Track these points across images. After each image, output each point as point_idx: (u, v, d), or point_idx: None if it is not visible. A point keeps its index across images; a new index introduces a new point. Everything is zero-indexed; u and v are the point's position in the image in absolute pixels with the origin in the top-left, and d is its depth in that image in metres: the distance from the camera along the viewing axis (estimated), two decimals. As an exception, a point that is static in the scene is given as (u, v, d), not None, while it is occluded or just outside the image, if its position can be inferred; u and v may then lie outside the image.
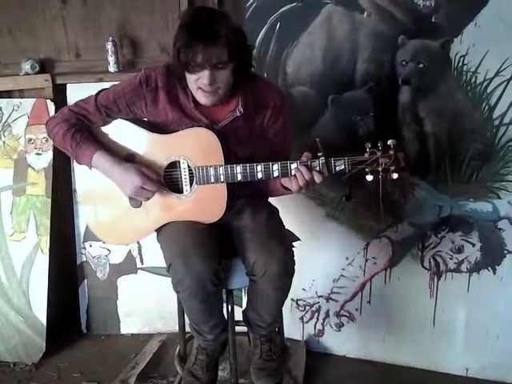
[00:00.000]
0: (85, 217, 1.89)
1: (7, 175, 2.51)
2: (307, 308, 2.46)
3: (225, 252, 1.74)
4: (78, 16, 2.49)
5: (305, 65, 2.22)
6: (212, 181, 1.66)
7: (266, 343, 1.92)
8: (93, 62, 2.52)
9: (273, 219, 1.80)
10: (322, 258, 2.39)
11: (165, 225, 1.76)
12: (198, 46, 1.53)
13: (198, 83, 1.61)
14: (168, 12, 2.43)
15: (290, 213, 2.24)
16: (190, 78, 1.62)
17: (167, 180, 1.73)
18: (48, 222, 2.49)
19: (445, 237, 2.22)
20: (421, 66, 2.08)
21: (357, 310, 2.40)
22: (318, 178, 1.59)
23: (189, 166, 1.70)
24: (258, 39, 2.22)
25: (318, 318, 2.46)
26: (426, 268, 2.27)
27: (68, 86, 2.50)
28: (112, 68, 2.45)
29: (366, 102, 2.16)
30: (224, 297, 1.83)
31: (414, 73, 2.09)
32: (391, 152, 1.55)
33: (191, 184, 1.71)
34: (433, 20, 2.02)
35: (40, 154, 2.49)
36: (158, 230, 1.79)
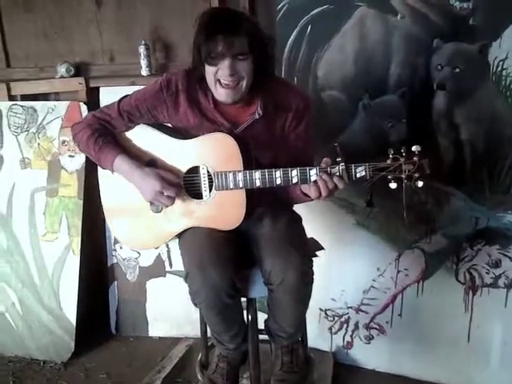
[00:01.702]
0: (107, 220, 1.89)
1: (41, 176, 2.56)
2: (336, 318, 2.39)
3: (244, 261, 1.71)
4: (112, 20, 2.52)
5: (336, 69, 2.16)
6: (231, 186, 1.63)
7: (288, 354, 1.87)
8: (126, 66, 2.54)
9: (293, 227, 1.75)
10: (352, 268, 2.32)
11: (185, 231, 1.75)
12: (219, 36, 1.52)
13: (218, 75, 1.58)
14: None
15: (319, 220, 2.19)
16: (210, 72, 1.59)
17: (187, 185, 1.72)
18: (79, 224, 2.53)
19: (481, 250, 2.12)
20: (457, 70, 1.99)
21: (387, 322, 2.32)
22: (340, 184, 1.53)
23: (208, 172, 1.68)
24: (288, 42, 2.19)
25: (346, 330, 2.39)
26: (460, 282, 2.17)
27: (101, 89, 2.53)
28: (144, 72, 2.45)
29: (399, 107, 2.09)
30: (245, 305, 1.79)
31: (449, 77, 2.00)
32: (415, 158, 1.47)
33: (210, 189, 1.69)
34: (470, 22, 1.93)
35: (73, 157, 2.53)
36: (179, 236, 1.78)
